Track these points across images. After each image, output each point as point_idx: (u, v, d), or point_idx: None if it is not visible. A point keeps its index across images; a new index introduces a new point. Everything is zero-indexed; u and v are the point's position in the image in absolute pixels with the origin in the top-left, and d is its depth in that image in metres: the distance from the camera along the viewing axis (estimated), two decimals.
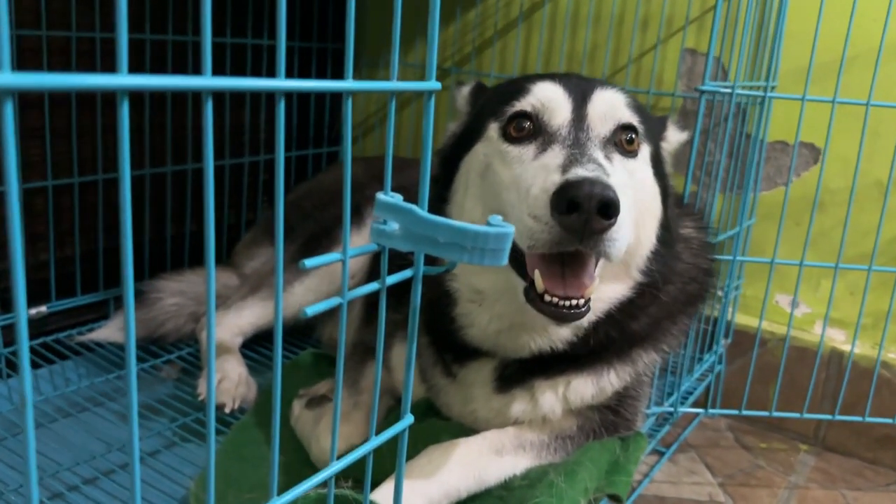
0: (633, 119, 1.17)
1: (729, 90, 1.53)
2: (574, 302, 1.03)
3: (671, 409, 1.72)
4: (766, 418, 1.94)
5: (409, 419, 0.76)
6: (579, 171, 0.98)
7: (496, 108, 1.19)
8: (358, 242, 1.73)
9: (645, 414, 1.47)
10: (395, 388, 1.52)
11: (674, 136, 1.35)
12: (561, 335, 1.22)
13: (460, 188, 1.24)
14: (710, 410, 1.82)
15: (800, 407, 1.79)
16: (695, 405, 1.88)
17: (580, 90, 1.17)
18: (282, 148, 0.54)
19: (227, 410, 1.57)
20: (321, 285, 1.82)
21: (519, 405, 1.28)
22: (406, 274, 0.73)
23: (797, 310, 1.94)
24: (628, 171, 1.15)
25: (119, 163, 0.46)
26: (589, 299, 1.05)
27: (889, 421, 1.72)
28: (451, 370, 1.35)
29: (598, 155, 1.08)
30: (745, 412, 1.76)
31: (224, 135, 2.19)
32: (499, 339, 1.25)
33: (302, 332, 1.99)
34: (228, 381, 1.63)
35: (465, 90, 1.36)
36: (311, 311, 0.62)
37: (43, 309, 1.81)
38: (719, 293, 1.92)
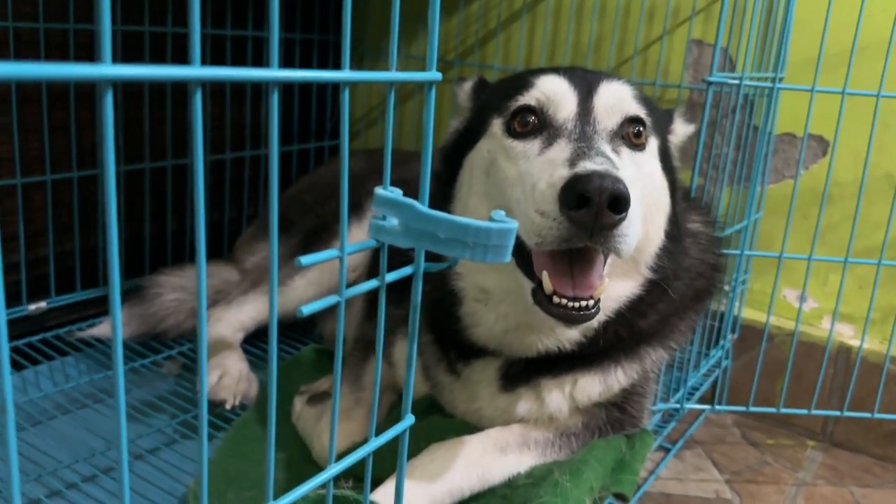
0: (640, 111, 1.15)
1: (737, 82, 1.51)
2: (583, 303, 1.00)
3: (677, 406, 1.70)
4: (773, 414, 1.91)
5: (409, 419, 0.74)
6: (588, 165, 0.96)
7: (499, 103, 1.17)
8: (359, 236, 1.71)
9: (651, 411, 1.45)
10: (397, 384, 1.50)
11: (681, 129, 1.32)
12: (569, 335, 1.20)
13: (464, 186, 1.21)
14: (717, 407, 1.79)
15: (807, 402, 1.76)
16: (701, 401, 1.86)
17: (586, 83, 1.14)
18: (275, 141, 0.52)
19: (227, 407, 1.56)
20: (322, 278, 1.80)
21: (525, 404, 1.26)
22: (406, 271, 0.71)
23: (804, 304, 1.91)
24: (636, 165, 1.12)
25: (103, 157, 0.43)
26: (599, 299, 1.02)
27: None
28: (455, 368, 1.33)
29: (606, 148, 1.05)
30: (752, 409, 1.74)
31: (225, 128, 2.17)
32: (505, 339, 1.23)
33: (303, 327, 1.98)
34: (229, 377, 1.61)
35: (467, 86, 1.34)
36: (308, 310, 0.60)
37: (42, 305, 1.80)
38: (726, 288, 1.89)
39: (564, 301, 1.00)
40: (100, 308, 1.91)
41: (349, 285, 1.88)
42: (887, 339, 1.77)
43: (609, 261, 1.10)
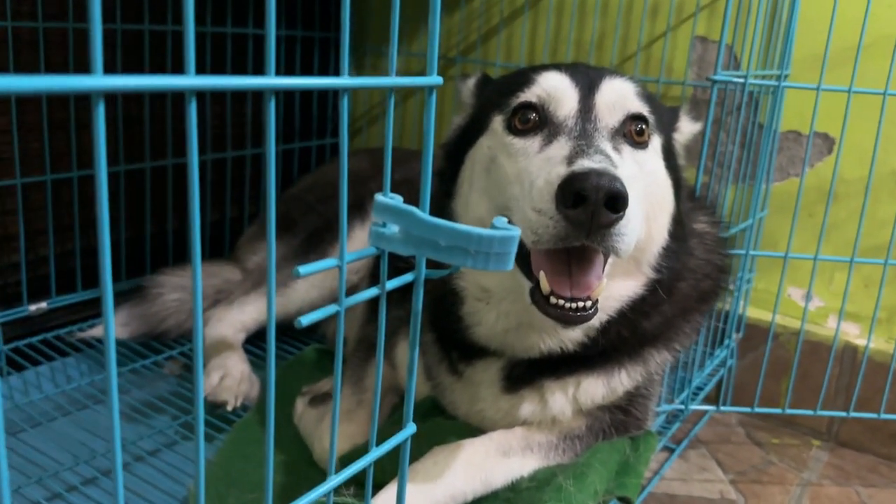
0: (643, 109, 1.13)
1: (742, 80, 1.49)
2: (581, 304, 0.99)
3: (682, 407, 1.69)
4: (777, 414, 1.90)
5: (411, 429, 0.73)
6: (586, 163, 0.95)
7: (500, 100, 1.16)
8: (362, 237, 1.70)
9: (655, 413, 1.44)
10: (399, 386, 1.49)
11: (687, 128, 1.31)
12: (571, 335, 1.19)
13: (465, 183, 1.21)
14: (722, 408, 1.78)
15: (812, 402, 1.75)
16: (705, 401, 1.85)
17: (587, 80, 1.13)
18: (272, 149, 0.51)
19: (229, 408, 1.55)
20: (325, 280, 1.79)
21: (528, 406, 1.25)
22: (407, 278, 0.69)
23: (809, 303, 1.90)
24: (638, 163, 1.11)
25: (95, 162, 0.42)
26: (597, 300, 1.01)
27: None
28: (458, 368, 1.32)
29: (606, 146, 1.04)
30: (757, 409, 1.72)
31: (226, 127, 2.15)
32: (507, 339, 1.22)
33: (306, 328, 1.97)
34: (231, 378, 1.60)
35: (470, 82, 1.33)
36: (307, 320, 0.59)
37: (43, 305, 1.79)
38: (731, 287, 1.88)
39: (561, 302, 0.99)
40: (101, 308, 1.89)
41: (352, 288, 1.87)
42: (893, 339, 1.76)
43: (610, 261, 1.08)
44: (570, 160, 0.97)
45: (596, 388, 1.24)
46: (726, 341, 1.89)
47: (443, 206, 1.23)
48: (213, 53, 2.05)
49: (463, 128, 1.28)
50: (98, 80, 0.41)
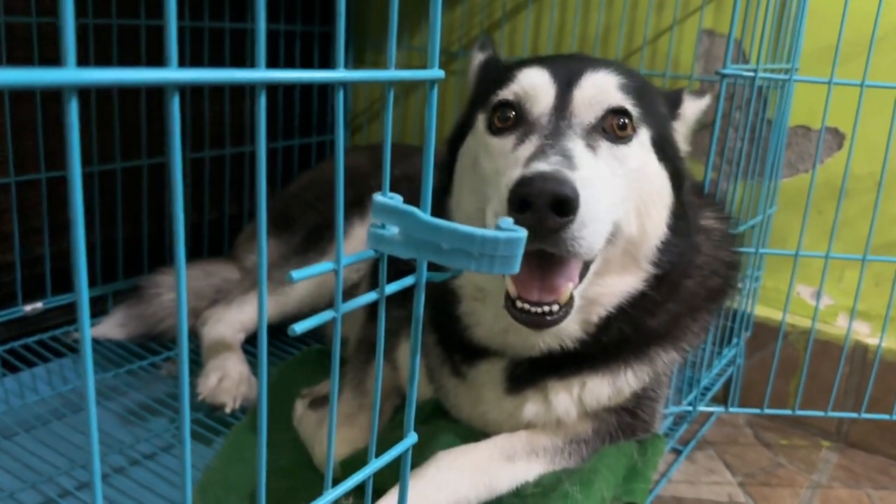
0: (625, 102, 1.09)
1: (751, 74, 1.45)
2: (547, 308, 0.97)
3: (689, 409, 1.65)
4: (786, 415, 1.86)
5: (412, 438, 0.70)
6: (538, 166, 0.93)
7: (483, 97, 1.15)
8: (361, 234, 1.66)
9: (663, 415, 1.41)
10: (401, 387, 1.46)
11: (691, 108, 1.26)
12: (570, 332, 1.16)
13: (457, 179, 1.20)
14: (731, 409, 1.74)
15: (821, 402, 1.72)
16: (712, 402, 1.82)
17: (568, 74, 1.10)
18: (263, 146, 0.48)
19: (227, 411, 1.52)
20: (326, 278, 1.76)
21: (532, 407, 1.22)
22: (407, 281, 0.66)
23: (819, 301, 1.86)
24: (618, 159, 1.07)
25: (68, 162, 0.39)
26: (567, 304, 0.99)
27: None
28: (460, 370, 1.29)
29: (575, 144, 1.01)
30: (767, 411, 1.69)
31: (224, 124, 2.12)
32: (507, 339, 1.19)
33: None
34: (229, 379, 1.57)
35: (477, 62, 1.30)
36: (300, 328, 0.55)
37: (38, 305, 1.76)
38: (739, 286, 1.84)
39: (527, 306, 0.98)
40: (97, 308, 1.87)
41: (352, 286, 1.82)
42: None
43: (596, 264, 1.07)
44: (528, 162, 0.96)
45: (601, 389, 1.20)
46: (734, 340, 1.85)
47: (440, 202, 1.21)
48: (211, 48, 2.01)
49: (459, 121, 1.26)
50: (70, 74, 0.37)
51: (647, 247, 1.13)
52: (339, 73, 0.52)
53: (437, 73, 0.59)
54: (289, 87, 2.30)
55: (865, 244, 1.58)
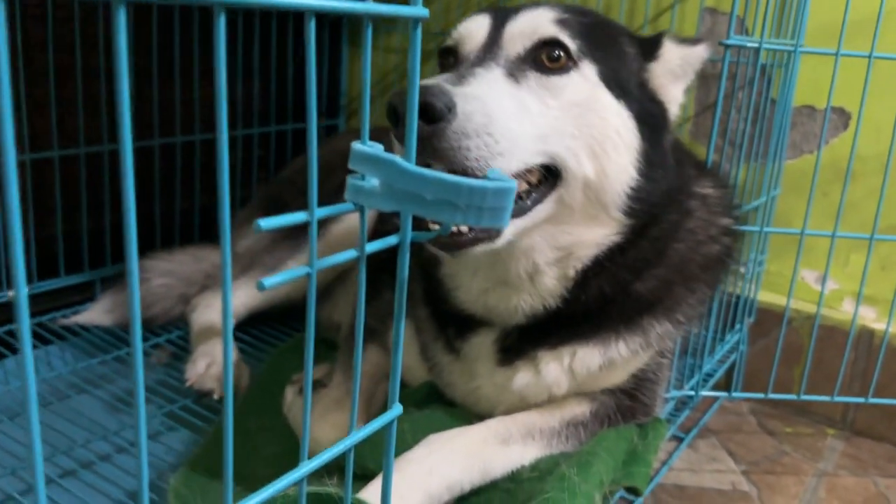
0: (560, 34, 1.06)
1: (756, 45, 1.41)
2: (455, 229, 0.95)
3: (692, 393, 1.61)
4: (790, 401, 1.82)
5: (397, 410, 0.66)
6: (424, 82, 0.93)
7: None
8: (355, 219, 1.62)
9: (664, 398, 1.37)
10: None
11: (675, 53, 1.17)
12: (548, 288, 1.13)
13: None
14: (734, 394, 1.70)
15: (826, 390, 1.67)
16: (715, 388, 1.77)
17: (507, 15, 1.09)
18: (223, 71, 0.43)
19: (215, 397, 1.48)
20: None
21: (523, 377, 1.19)
22: (391, 241, 0.62)
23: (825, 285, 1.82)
24: (550, 90, 1.04)
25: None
26: (485, 229, 0.96)
27: None
28: (454, 346, 1.26)
29: (484, 70, 1.00)
30: (771, 396, 1.64)
31: (213, 108, 2.07)
32: (488, 301, 1.17)
33: (298, 313, 1.89)
34: (217, 366, 1.53)
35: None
36: (269, 283, 0.51)
37: None
38: (742, 269, 1.80)
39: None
40: (85, 294, 1.83)
41: (353, 267, 1.75)
42: None
43: (546, 206, 1.05)
44: None
45: (592, 359, 1.17)
46: (737, 325, 1.81)
47: None
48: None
49: None
50: None
51: (613, 192, 1.08)
52: (308, 1, 0.47)
53: (420, 10, 0.55)
54: (283, 72, 2.25)
55: (872, 226, 1.53)
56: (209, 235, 2.07)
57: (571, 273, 1.12)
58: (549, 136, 1.02)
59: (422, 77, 0.70)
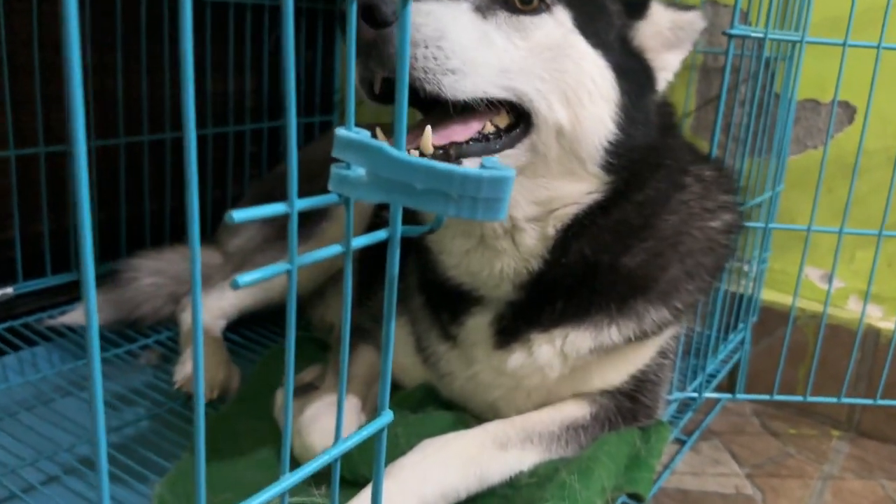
0: None
1: (760, 35, 1.37)
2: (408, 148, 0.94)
3: (695, 395, 1.57)
4: (794, 402, 1.78)
5: (387, 416, 0.62)
6: None
7: None
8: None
9: (667, 400, 1.33)
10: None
11: (665, 16, 1.15)
12: (529, 247, 1.10)
13: None
14: (739, 395, 1.66)
15: (831, 390, 1.63)
16: (718, 389, 1.73)
17: None
18: (189, 68, 0.39)
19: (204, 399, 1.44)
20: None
21: (517, 357, 1.17)
22: (379, 235, 0.58)
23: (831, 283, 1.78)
24: (519, 30, 1.01)
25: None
26: (435, 153, 0.95)
27: None
28: (449, 332, 1.24)
29: (447, 1, 0.97)
30: (776, 397, 1.60)
31: (206, 103, 2.03)
32: (471, 265, 1.14)
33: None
34: (207, 368, 1.49)
35: None
36: (243, 281, 0.47)
37: (9, 290, 1.67)
38: (745, 268, 1.76)
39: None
40: (72, 294, 1.78)
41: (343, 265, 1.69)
42: None
43: (518, 150, 1.02)
44: None
45: (583, 341, 1.15)
46: (740, 325, 1.77)
47: None
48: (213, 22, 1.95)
49: None
50: None
51: (589, 143, 1.05)
52: None
53: None
54: (274, 66, 2.20)
55: (880, 222, 1.49)
56: (200, 233, 2.02)
57: (551, 231, 1.09)
58: (514, 74, 0.99)
59: None
